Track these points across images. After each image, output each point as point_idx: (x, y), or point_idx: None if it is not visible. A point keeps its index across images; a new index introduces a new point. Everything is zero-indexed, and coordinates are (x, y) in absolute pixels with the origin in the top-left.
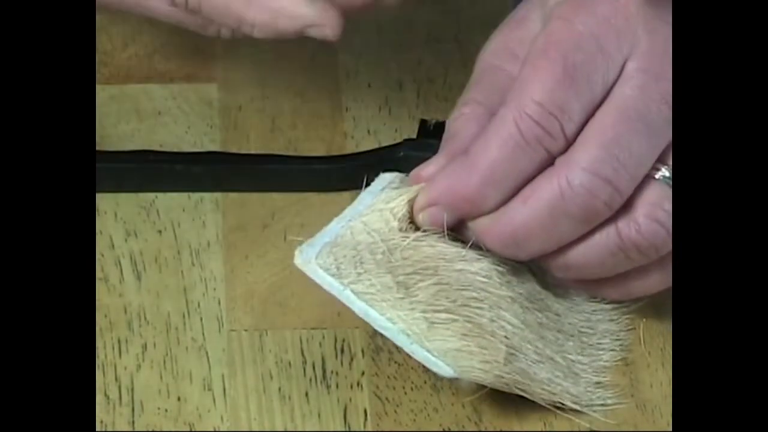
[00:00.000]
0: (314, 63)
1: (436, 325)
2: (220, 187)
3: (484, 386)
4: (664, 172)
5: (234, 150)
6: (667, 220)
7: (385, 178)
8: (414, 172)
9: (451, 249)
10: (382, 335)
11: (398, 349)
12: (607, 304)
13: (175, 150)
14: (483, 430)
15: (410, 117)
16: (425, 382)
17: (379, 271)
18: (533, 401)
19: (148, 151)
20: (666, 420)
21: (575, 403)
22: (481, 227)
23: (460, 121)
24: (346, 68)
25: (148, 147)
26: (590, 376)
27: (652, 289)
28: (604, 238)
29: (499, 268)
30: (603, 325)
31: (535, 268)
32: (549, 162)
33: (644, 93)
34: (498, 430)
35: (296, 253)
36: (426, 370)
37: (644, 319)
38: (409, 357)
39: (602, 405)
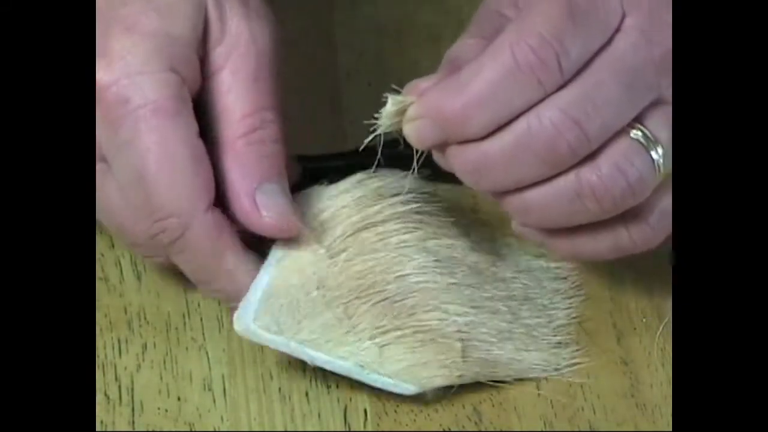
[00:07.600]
0: (314, 63)
1: (386, 348)
2: None
3: (450, 387)
4: (639, 132)
5: None
6: (632, 173)
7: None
8: (412, 82)
9: (381, 258)
10: None
11: None
12: (552, 263)
13: None
14: (483, 430)
15: None
16: None
17: (317, 310)
18: (533, 400)
19: None
20: (666, 420)
21: (545, 369)
22: (452, 151)
23: (461, 47)
24: (346, 68)
25: None
26: (550, 337)
27: (600, 254)
28: (563, 181)
29: (437, 258)
30: (550, 284)
31: (475, 237)
32: (540, 101)
33: (635, 50)
34: (498, 430)
35: (234, 320)
36: None
37: (644, 319)
38: None
39: (571, 365)
